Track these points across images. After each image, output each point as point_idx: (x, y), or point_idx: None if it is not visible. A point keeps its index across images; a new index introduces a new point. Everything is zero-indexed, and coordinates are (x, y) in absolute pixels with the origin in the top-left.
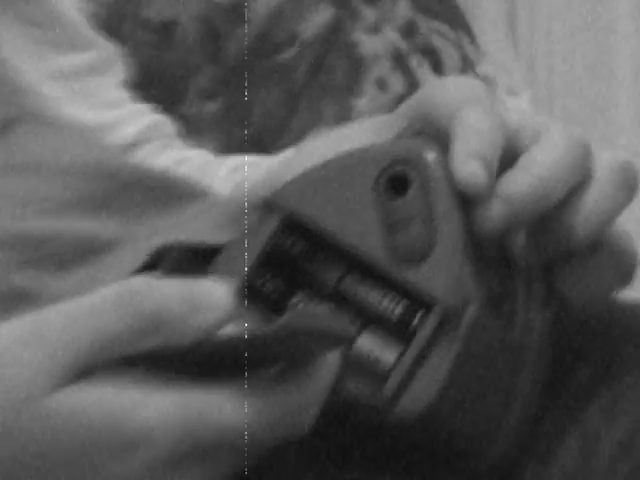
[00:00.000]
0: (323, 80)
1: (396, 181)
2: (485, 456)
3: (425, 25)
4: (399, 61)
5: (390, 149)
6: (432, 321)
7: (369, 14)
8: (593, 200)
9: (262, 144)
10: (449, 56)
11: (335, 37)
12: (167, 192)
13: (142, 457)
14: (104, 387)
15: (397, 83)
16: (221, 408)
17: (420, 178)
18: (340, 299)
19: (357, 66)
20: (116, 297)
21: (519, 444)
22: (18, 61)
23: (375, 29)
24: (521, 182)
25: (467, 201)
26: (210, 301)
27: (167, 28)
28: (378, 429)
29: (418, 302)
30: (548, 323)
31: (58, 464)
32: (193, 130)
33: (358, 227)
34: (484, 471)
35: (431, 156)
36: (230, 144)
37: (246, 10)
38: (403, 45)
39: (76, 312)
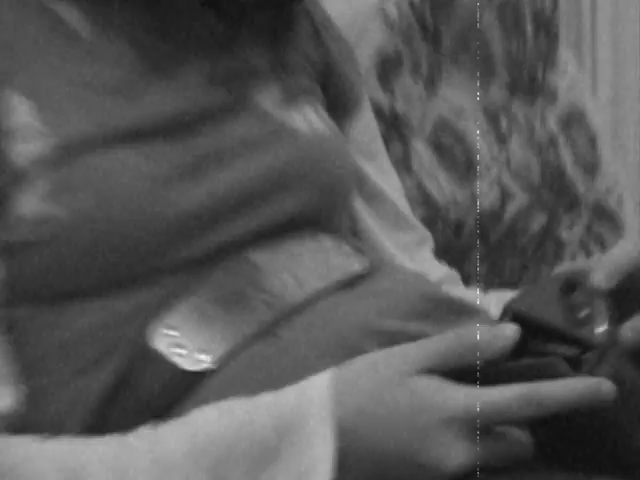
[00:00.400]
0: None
1: (568, 287)
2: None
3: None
4: None
5: (565, 275)
6: (595, 353)
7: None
8: None
9: None
10: None
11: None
12: (454, 308)
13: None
14: (434, 381)
15: None
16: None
17: (582, 287)
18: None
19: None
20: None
21: None
22: None
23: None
24: None
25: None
26: (504, 333)
27: None
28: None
29: (586, 346)
30: None
31: (401, 419)
32: None
33: (553, 313)
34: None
35: (596, 281)
36: None
37: None
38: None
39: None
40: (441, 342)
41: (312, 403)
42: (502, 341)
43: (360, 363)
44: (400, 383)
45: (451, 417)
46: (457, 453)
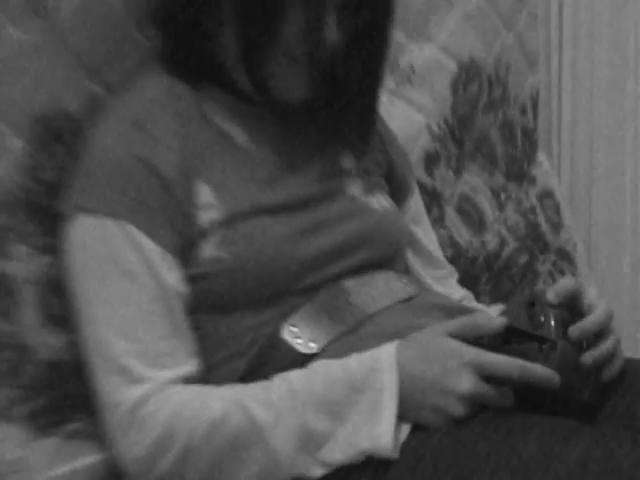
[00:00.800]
0: None
1: (530, 302)
2: (578, 401)
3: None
4: None
5: (528, 295)
6: (549, 344)
7: None
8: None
9: None
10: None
11: None
12: (466, 313)
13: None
14: (456, 341)
15: None
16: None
17: (539, 302)
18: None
19: None
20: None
21: (595, 402)
22: None
23: None
24: (590, 326)
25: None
26: (495, 321)
27: None
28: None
29: (543, 341)
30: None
31: (434, 360)
32: None
33: (523, 319)
34: (578, 409)
35: (550, 298)
36: None
37: None
38: None
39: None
40: (460, 321)
41: (381, 357)
42: (494, 324)
43: (411, 336)
44: (435, 339)
45: (464, 361)
46: (466, 383)
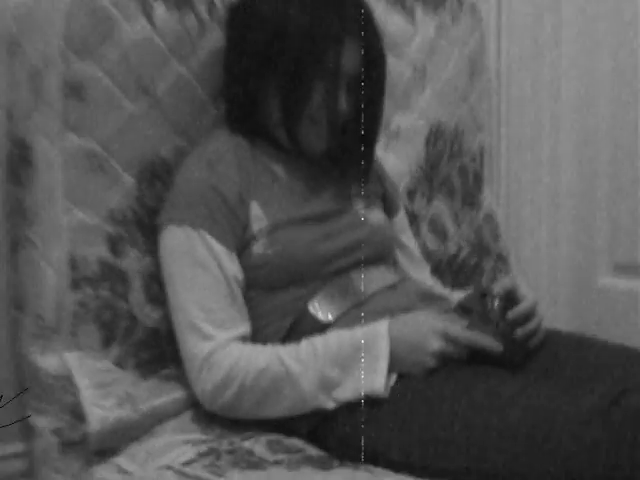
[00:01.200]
0: None
1: (482, 293)
2: (512, 361)
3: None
4: None
5: (481, 288)
6: (495, 323)
7: None
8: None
9: None
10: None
11: None
12: (435, 297)
13: (432, 343)
14: (431, 318)
15: None
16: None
17: (489, 295)
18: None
19: None
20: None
21: (522, 362)
22: None
23: None
24: (522, 311)
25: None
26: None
27: None
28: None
29: (491, 321)
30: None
31: (415, 329)
32: None
33: (477, 305)
34: (511, 366)
35: (495, 292)
36: None
37: None
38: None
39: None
40: (437, 307)
41: (379, 329)
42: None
43: (399, 316)
44: (416, 316)
45: (435, 331)
46: (436, 344)
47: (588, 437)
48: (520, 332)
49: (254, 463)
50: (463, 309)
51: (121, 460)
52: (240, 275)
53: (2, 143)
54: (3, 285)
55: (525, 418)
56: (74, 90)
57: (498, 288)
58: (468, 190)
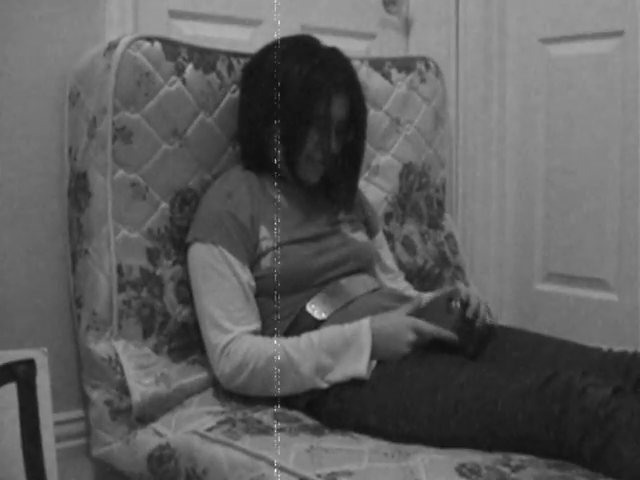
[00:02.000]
0: None
1: (448, 297)
2: (467, 350)
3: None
4: None
5: (449, 293)
6: (458, 320)
7: None
8: (482, 309)
9: None
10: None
11: None
12: (407, 299)
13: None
14: (407, 317)
15: None
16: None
17: (455, 298)
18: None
19: None
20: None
21: (476, 351)
22: None
23: None
24: (473, 310)
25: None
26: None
27: None
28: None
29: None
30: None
31: (394, 324)
32: None
33: (443, 307)
34: (466, 354)
35: (460, 297)
36: None
37: None
38: None
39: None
40: (408, 306)
41: (362, 325)
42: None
43: (380, 313)
44: (392, 314)
45: (410, 326)
46: (410, 336)
47: (526, 408)
48: (477, 326)
49: (262, 430)
50: (429, 308)
51: (157, 425)
52: (252, 282)
53: (67, 176)
54: (67, 288)
55: (477, 394)
56: (121, 133)
57: (463, 295)
58: (433, 215)
